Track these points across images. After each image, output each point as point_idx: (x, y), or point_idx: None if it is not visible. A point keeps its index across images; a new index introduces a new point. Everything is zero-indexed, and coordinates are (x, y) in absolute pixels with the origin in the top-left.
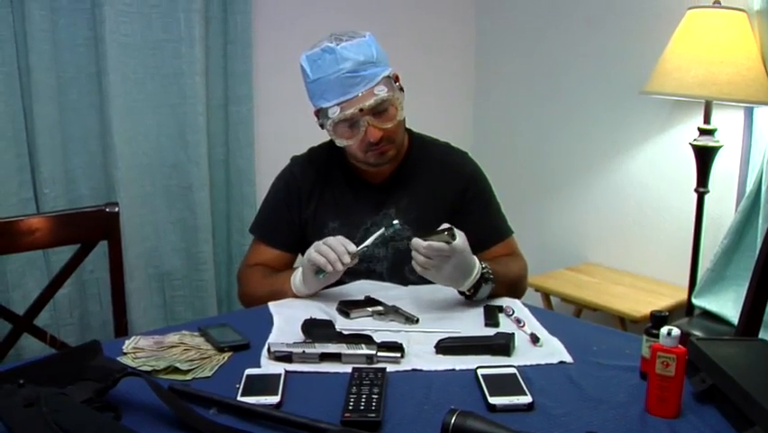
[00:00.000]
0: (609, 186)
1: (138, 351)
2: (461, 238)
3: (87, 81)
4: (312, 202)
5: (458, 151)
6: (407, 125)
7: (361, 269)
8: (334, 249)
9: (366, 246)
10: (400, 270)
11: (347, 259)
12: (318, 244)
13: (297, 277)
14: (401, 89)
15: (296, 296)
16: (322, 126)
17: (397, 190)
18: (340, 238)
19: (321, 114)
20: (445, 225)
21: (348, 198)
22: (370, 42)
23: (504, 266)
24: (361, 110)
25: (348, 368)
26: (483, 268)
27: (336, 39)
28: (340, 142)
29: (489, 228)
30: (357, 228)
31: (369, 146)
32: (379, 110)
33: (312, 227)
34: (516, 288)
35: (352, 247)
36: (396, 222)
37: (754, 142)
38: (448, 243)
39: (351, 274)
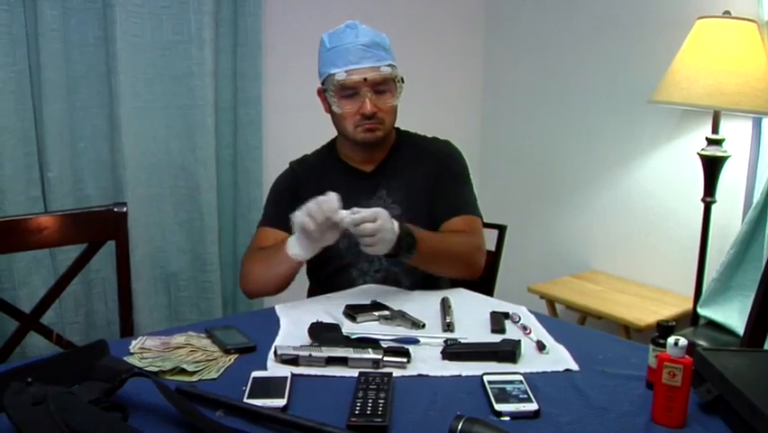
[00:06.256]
0: (616, 194)
1: (145, 351)
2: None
3: (97, 81)
4: (310, 188)
5: (441, 139)
6: (414, 129)
7: (382, 264)
8: (321, 208)
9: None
10: (415, 268)
11: (324, 217)
12: (307, 204)
13: (291, 240)
14: (402, 81)
15: (291, 261)
16: (323, 95)
17: (387, 175)
18: (332, 197)
19: (327, 81)
20: None
21: (343, 185)
22: (386, 38)
23: (450, 236)
24: (364, 80)
25: (354, 372)
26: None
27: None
28: (337, 108)
29: (452, 201)
30: None
31: (361, 119)
32: (380, 90)
33: None
34: (458, 261)
35: (338, 216)
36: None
37: (762, 152)
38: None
39: (364, 273)
